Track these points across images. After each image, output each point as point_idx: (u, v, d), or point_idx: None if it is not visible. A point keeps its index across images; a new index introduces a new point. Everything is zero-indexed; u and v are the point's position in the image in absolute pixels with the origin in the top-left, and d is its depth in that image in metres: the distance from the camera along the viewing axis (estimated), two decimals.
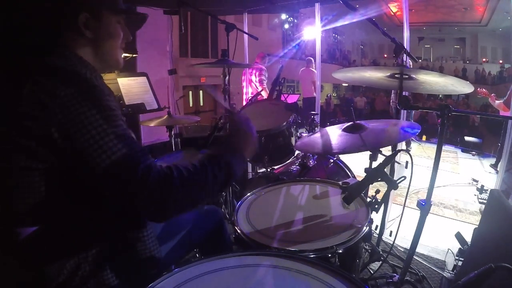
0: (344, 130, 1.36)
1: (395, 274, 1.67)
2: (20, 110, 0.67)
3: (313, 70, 6.00)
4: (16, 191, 0.71)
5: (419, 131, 1.23)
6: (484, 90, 4.22)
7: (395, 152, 1.18)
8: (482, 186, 3.44)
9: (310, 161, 2.06)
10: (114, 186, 0.71)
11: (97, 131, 0.68)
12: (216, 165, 0.82)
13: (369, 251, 1.68)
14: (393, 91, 4.73)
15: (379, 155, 1.27)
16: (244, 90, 4.86)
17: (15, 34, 0.77)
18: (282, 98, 2.22)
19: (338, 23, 4.29)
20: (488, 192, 2.82)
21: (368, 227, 1.09)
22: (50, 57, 0.74)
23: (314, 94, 5.64)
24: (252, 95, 3.19)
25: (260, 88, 4.57)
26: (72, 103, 0.67)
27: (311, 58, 6.20)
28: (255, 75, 4.70)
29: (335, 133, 1.37)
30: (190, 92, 7.85)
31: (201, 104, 8.28)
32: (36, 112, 0.67)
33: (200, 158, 0.84)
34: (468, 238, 1.92)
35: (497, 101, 4.01)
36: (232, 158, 0.87)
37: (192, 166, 0.79)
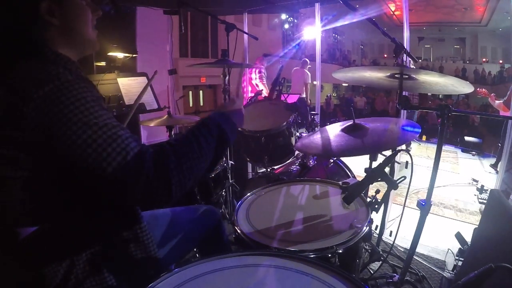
0: (344, 130, 1.35)
1: (395, 274, 1.66)
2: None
3: (307, 71, 5.99)
4: (9, 195, 0.70)
5: (419, 130, 1.23)
6: (484, 90, 4.22)
7: (395, 152, 1.18)
8: (482, 186, 3.45)
9: (310, 161, 2.06)
10: (108, 180, 0.68)
11: (77, 126, 0.65)
12: (207, 130, 0.82)
13: (369, 251, 1.68)
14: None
15: (379, 155, 1.27)
16: (244, 89, 4.87)
17: None
18: (282, 98, 2.22)
19: (338, 23, 4.28)
20: (488, 192, 2.82)
21: (368, 227, 1.09)
22: (20, 58, 0.71)
23: (303, 94, 5.65)
24: (253, 94, 3.19)
25: (260, 85, 4.59)
26: (46, 104, 0.65)
27: (307, 60, 6.20)
28: (255, 73, 4.75)
29: (335, 134, 1.37)
30: (190, 92, 7.85)
31: (201, 104, 8.28)
32: (13, 120, 0.65)
33: (190, 127, 0.84)
34: (468, 238, 1.92)
35: (497, 101, 4.01)
36: (222, 122, 0.87)
37: (183, 138, 0.78)
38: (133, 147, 0.69)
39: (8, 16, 0.73)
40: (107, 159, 0.66)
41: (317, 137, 1.40)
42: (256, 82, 4.72)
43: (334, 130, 1.39)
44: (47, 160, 0.68)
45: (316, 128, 2.08)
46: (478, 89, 4.07)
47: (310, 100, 5.84)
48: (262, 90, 4.42)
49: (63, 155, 0.67)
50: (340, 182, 1.25)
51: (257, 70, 4.72)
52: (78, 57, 0.85)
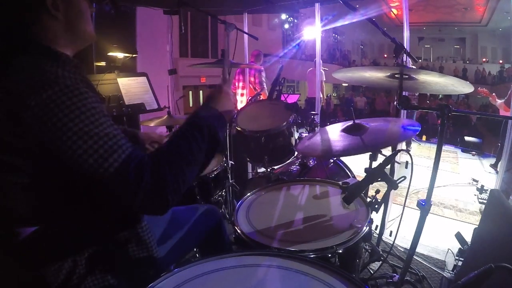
0: (345, 131, 1.35)
1: (395, 274, 1.67)
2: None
3: (321, 70, 6.00)
4: (9, 197, 0.70)
5: (419, 128, 1.23)
6: (484, 89, 4.23)
7: (395, 152, 1.17)
8: (482, 186, 3.44)
9: (310, 161, 2.06)
10: (107, 190, 0.69)
11: (78, 136, 0.65)
12: (199, 133, 0.80)
13: (369, 251, 1.68)
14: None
15: (379, 155, 1.27)
16: (239, 92, 4.76)
17: None
18: (282, 98, 2.21)
19: (338, 23, 4.29)
20: (488, 192, 2.82)
21: (368, 227, 1.09)
22: (17, 57, 0.70)
23: (321, 94, 5.65)
24: (251, 96, 3.18)
25: (259, 91, 4.51)
26: (45, 112, 0.63)
27: (320, 60, 6.21)
28: (254, 76, 4.60)
29: (335, 135, 1.37)
30: (190, 92, 7.85)
31: (201, 104, 8.27)
32: (11, 127, 0.64)
33: (182, 129, 0.82)
34: (468, 238, 1.92)
35: (498, 101, 4.01)
36: (214, 122, 0.85)
37: (176, 145, 0.77)
38: (134, 158, 0.69)
39: (14, 7, 0.73)
40: (108, 170, 0.66)
41: (318, 139, 1.40)
42: (254, 87, 4.64)
43: (334, 131, 1.39)
44: (47, 166, 0.68)
45: (316, 128, 2.08)
46: (479, 89, 4.07)
47: (328, 96, 5.78)
48: (261, 91, 4.39)
49: (62, 163, 0.67)
50: (340, 182, 1.25)
51: (256, 74, 4.63)
52: (78, 50, 0.85)
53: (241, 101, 4.67)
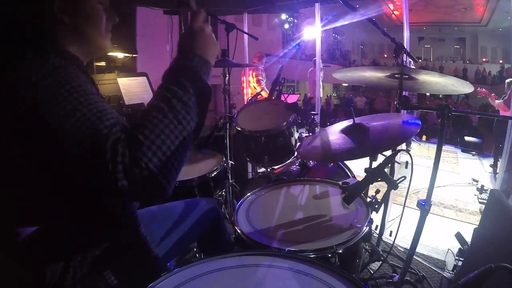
0: (345, 132, 1.35)
1: (395, 274, 1.67)
2: (3, 112, 0.65)
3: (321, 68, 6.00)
4: (11, 194, 0.70)
5: (420, 125, 1.23)
6: (484, 90, 4.23)
7: (395, 152, 1.18)
8: (482, 186, 3.45)
9: (310, 161, 2.06)
10: (86, 168, 0.64)
11: (73, 105, 0.62)
12: (182, 90, 0.69)
13: (369, 251, 1.68)
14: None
15: (379, 155, 1.27)
16: (245, 91, 4.84)
17: None
18: (282, 98, 2.22)
19: (338, 23, 4.29)
20: (488, 192, 2.82)
21: (368, 227, 1.09)
22: (25, 55, 0.69)
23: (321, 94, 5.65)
24: (252, 96, 3.18)
25: (259, 89, 4.54)
26: (44, 84, 0.63)
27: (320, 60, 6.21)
28: (252, 76, 4.66)
29: (336, 136, 1.37)
30: None
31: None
32: (14, 107, 0.64)
33: (158, 89, 0.71)
34: (468, 238, 1.93)
35: (497, 101, 4.02)
36: (199, 69, 0.75)
37: (149, 107, 0.68)
38: (111, 134, 0.62)
39: (22, 6, 0.72)
40: (103, 131, 0.62)
41: (319, 142, 1.40)
42: (254, 85, 4.67)
43: (335, 133, 1.39)
44: (46, 148, 0.66)
45: (316, 128, 2.08)
46: (478, 89, 4.08)
47: (328, 96, 5.74)
48: (261, 91, 4.40)
49: (57, 135, 0.63)
50: (340, 182, 1.25)
51: (254, 73, 4.65)
52: (90, 57, 0.84)
53: (246, 100, 4.72)
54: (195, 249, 1.66)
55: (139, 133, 0.63)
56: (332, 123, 1.48)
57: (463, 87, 1.25)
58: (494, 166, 4.69)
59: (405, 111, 1.95)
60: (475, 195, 3.49)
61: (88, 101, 0.65)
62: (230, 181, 2.20)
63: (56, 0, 0.73)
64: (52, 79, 0.65)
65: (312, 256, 0.95)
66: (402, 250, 2.16)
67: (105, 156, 0.60)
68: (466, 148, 6.09)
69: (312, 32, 3.92)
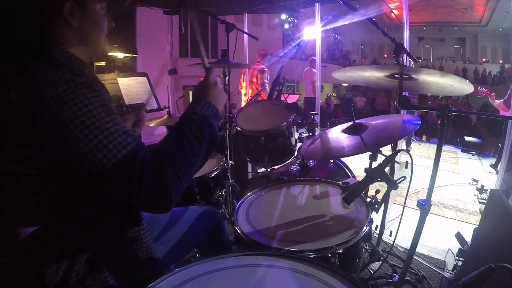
0: (346, 131, 1.35)
1: (395, 274, 1.66)
2: (8, 118, 0.66)
3: (314, 70, 5.96)
4: (13, 193, 0.71)
5: (419, 122, 1.24)
6: (484, 89, 4.23)
7: (395, 152, 1.18)
8: (482, 186, 3.44)
9: (310, 161, 2.06)
10: (110, 188, 0.70)
11: (90, 130, 0.67)
12: (199, 131, 0.82)
13: (369, 251, 1.68)
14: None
15: (379, 155, 1.27)
16: (243, 91, 4.78)
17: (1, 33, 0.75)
18: (282, 98, 2.21)
19: (338, 23, 4.29)
20: (488, 192, 2.82)
21: (368, 227, 1.09)
22: (33, 56, 0.72)
23: (314, 94, 5.59)
24: (251, 96, 3.18)
25: (259, 91, 4.47)
26: (59, 105, 0.65)
27: (315, 58, 6.16)
28: (256, 77, 4.53)
29: (337, 136, 1.37)
30: (190, 92, 7.83)
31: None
32: (25, 119, 0.66)
33: (179, 125, 0.83)
34: (468, 238, 1.92)
35: (497, 101, 4.01)
36: (213, 118, 0.87)
37: (177, 143, 0.78)
38: (139, 156, 0.70)
39: (31, 9, 0.74)
40: (115, 165, 0.67)
41: (319, 142, 1.40)
42: (256, 87, 4.59)
43: (335, 133, 1.39)
44: (55, 159, 0.69)
45: (316, 128, 2.08)
46: (478, 89, 4.07)
47: (328, 96, 5.68)
48: (261, 91, 4.37)
49: (71, 157, 0.67)
50: (340, 182, 1.25)
51: (259, 75, 4.50)
52: (89, 60, 0.86)
53: (244, 101, 4.66)
54: (195, 249, 1.65)
55: (164, 156, 0.73)
56: (332, 123, 1.48)
57: (463, 87, 1.24)
58: (494, 166, 4.68)
59: (405, 111, 1.95)
60: (475, 195, 3.48)
61: (115, 122, 0.72)
62: (230, 181, 2.20)
63: (67, 3, 0.75)
64: (77, 94, 0.68)
65: (312, 256, 0.95)
66: (402, 250, 2.15)
67: (132, 175, 0.68)
68: (466, 148, 6.08)
69: (312, 32, 3.92)
